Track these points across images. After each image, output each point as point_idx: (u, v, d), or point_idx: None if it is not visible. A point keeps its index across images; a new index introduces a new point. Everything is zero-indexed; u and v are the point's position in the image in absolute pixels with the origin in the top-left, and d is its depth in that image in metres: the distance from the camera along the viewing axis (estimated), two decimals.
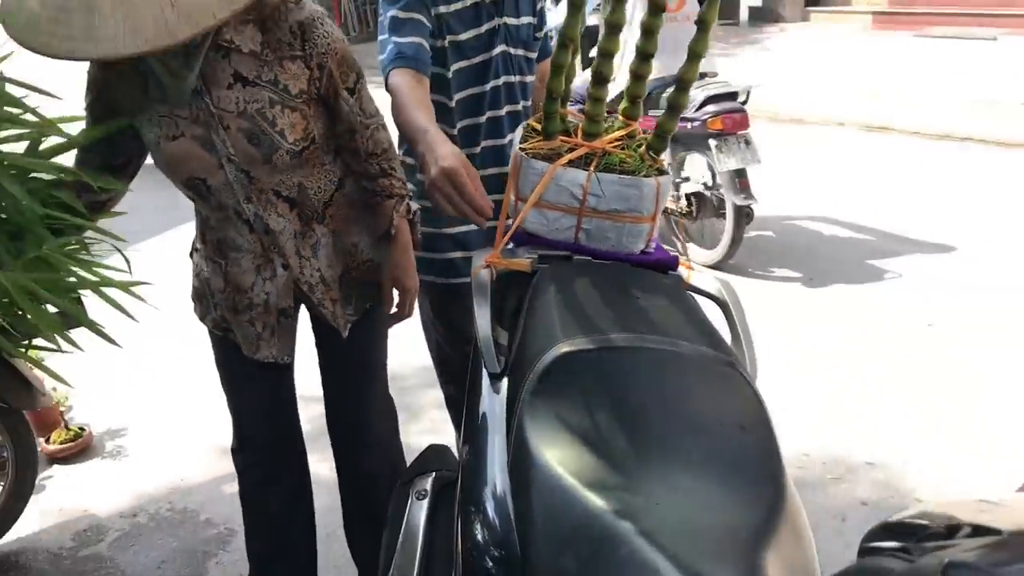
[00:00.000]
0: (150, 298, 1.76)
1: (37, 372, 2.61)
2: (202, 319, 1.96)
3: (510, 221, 1.55)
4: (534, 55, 2.16)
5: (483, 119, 2.08)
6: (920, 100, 7.40)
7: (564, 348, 1.25)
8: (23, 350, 2.50)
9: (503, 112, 2.09)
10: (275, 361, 1.90)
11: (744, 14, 11.81)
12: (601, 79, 1.54)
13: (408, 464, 1.78)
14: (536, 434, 1.15)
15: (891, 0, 10.54)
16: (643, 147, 1.56)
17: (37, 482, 2.75)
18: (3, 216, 1.60)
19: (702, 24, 1.46)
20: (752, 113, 4.32)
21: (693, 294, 1.56)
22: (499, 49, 2.04)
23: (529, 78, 2.15)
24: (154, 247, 4.95)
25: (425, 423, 3.18)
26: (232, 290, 1.84)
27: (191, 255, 1.96)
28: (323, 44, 1.67)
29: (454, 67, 2.00)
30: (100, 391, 3.55)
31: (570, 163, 1.51)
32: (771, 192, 5.05)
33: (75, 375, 3.38)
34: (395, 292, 1.95)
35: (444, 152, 1.48)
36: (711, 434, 1.18)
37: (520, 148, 1.55)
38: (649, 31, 1.53)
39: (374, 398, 2.09)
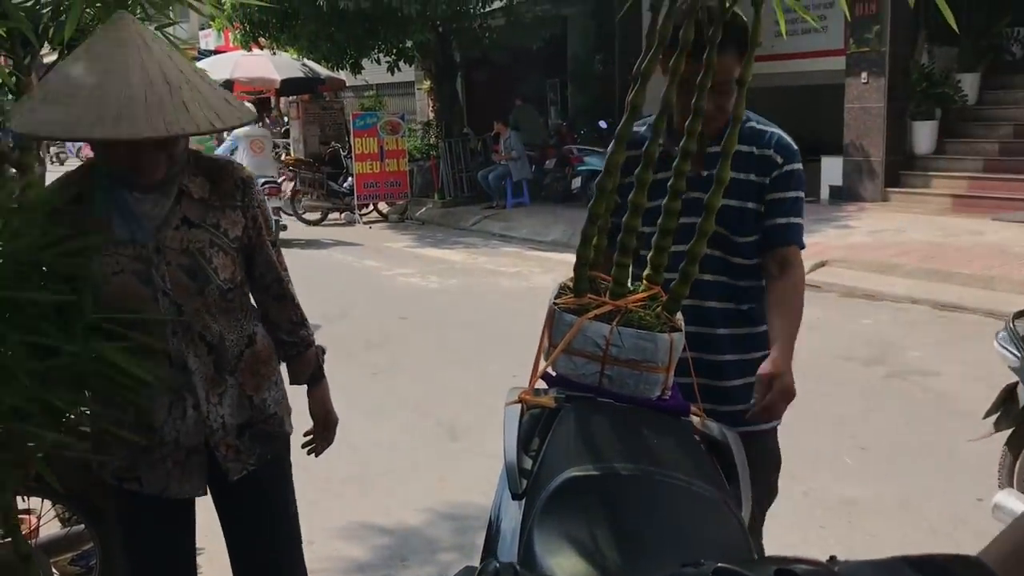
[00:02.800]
0: None
1: None
2: (100, 474, 2.02)
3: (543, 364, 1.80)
4: (738, 239, 2.17)
5: None
6: (993, 282, 7.47)
7: (574, 472, 1.47)
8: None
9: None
10: (188, 497, 2.01)
11: (825, 192, 12.13)
12: (625, 249, 1.82)
13: None
14: (542, 545, 1.36)
15: (971, 184, 10.75)
16: (660, 308, 1.81)
17: None
18: None
19: (708, 210, 1.73)
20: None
21: (701, 438, 1.77)
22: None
23: (726, 256, 2.18)
24: None
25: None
26: (144, 430, 1.91)
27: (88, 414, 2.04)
28: (258, 200, 2.01)
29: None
30: None
31: (597, 318, 1.77)
32: None
33: None
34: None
35: None
36: (693, 554, 1.36)
37: (554, 303, 1.82)
38: (670, 212, 1.82)
39: (285, 546, 2.16)
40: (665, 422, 1.75)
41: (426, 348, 6.47)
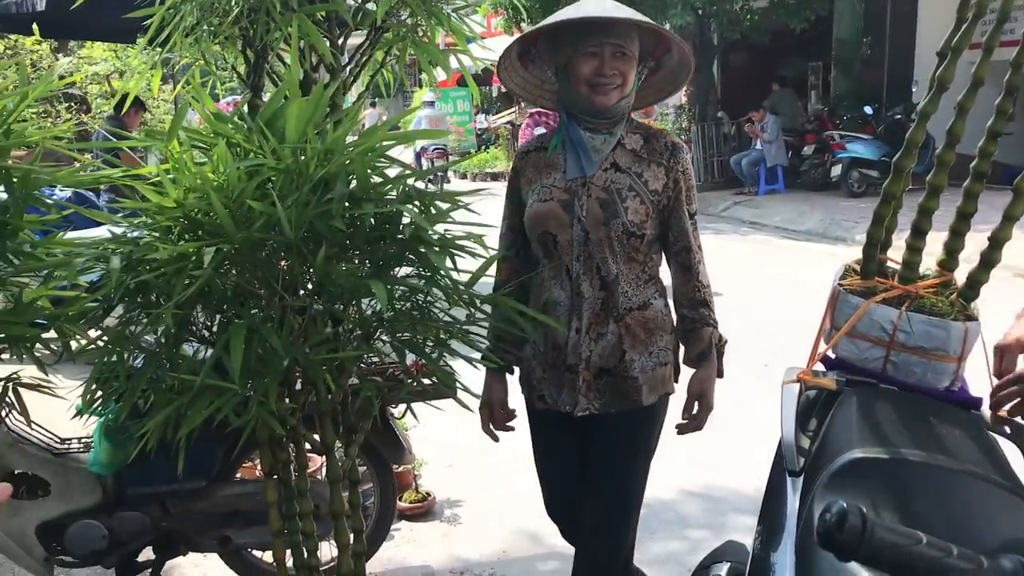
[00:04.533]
0: None
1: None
2: (532, 405, 2.28)
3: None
4: None
5: None
6: None
7: (858, 454, 1.46)
8: (402, 415, 3.06)
9: None
10: (595, 413, 2.15)
11: None
12: (919, 232, 1.77)
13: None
14: None
15: None
16: (955, 294, 1.74)
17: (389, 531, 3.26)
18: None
19: (1018, 192, 1.64)
20: None
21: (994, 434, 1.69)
22: None
23: None
24: None
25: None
26: (550, 348, 2.18)
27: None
28: (683, 165, 2.16)
29: None
30: (445, 464, 4.11)
31: (884, 301, 1.74)
32: None
33: (426, 448, 3.95)
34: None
35: None
36: (987, 544, 1.32)
37: (839, 284, 1.79)
38: (969, 195, 1.74)
39: (611, 501, 2.23)
40: (954, 413, 1.69)
41: None
